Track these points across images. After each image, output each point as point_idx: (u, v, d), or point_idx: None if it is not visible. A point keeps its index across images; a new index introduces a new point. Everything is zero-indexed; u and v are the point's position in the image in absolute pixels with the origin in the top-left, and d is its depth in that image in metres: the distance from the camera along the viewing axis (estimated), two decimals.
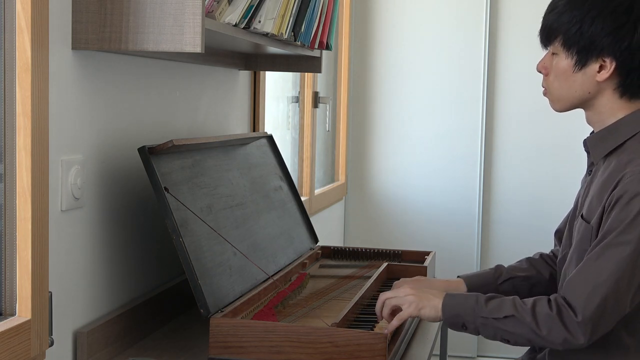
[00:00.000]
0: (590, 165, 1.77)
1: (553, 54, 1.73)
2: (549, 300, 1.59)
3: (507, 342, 1.63)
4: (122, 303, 1.76)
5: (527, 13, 4.01)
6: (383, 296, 1.73)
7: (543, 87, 1.78)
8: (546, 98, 1.78)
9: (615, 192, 1.59)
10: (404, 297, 1.69)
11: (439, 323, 1.96)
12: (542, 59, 1.76)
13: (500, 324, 1.60)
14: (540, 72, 1.77)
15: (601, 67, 1.67)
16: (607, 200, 1.61)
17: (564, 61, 1.70)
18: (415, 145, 4.16)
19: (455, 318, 1.65)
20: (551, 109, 1.79)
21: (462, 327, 1.65)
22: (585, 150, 1.78)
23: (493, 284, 1.93)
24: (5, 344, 1.33)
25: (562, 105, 1.75)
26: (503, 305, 1.61)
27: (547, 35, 1.73)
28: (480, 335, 1.66)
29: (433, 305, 1.66)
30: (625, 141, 1.67)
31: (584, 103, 1.72)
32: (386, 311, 1.71)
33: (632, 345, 1.65)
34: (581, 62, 1.68)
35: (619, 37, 1.64)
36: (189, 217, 1.68)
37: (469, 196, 4.13)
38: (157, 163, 1.66)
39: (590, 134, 1.77)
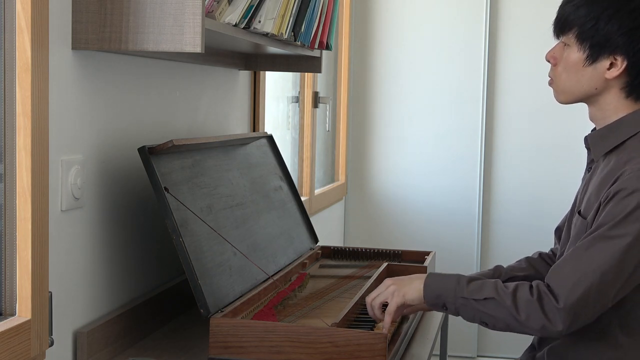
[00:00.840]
0: (590, 162, 1.78)
1: (565, 45, 1.73)
2: (531, 287, 1.60)
3: (486, 325, 1.63)
4: (122, 303, 1.76)
5: (527, 13, 4.02)
6: (368, 299, 1.74)
7: (549, 76, 1.77)
8: (550, 90, 1.77)
9: (612, 188, 1.59)
10: (386, 290, 1.70)
11: (439, 323, 1.97)
12: (552, 49, 1.76)
13: (480, 306, 1.61)
14: (548, 61, 1.76)
15: (612, 65, 1.67)
16: (603, 196, 1.61)
17: (576, 54, 1.70)
18: (415, 145, 4.16)
19: (436, 299, 1.65)
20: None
21: (443, 308, 1.66)
22: (586, 147, 1.78)
23: None
24: (5, 344, 1.33)
25: (567, 98, 1.75)
26: (484, 287, 1.62)
27: (562, 26, 1.73)
28: (463, 318, 1.66)
29: (415, 287, 1.68)
30: (626, 140, 1.68)
31: (589, 98, 1.72)
32: (377, 312, 1.71)
33: (627, 344, 1.65)
34: (592, 57, 1.68)
35: (634, 37, 1.64)
36: (189, 217, 1.68)
37: (469, 196, 4.13)
38: (157, 163, 1.66)
39: (592, 131, 1.78)
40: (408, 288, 1.68)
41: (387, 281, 1.73)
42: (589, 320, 1.59)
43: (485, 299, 1.60)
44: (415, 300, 1.68)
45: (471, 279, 1.65)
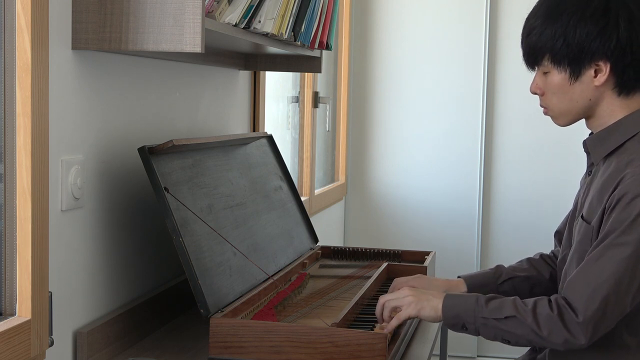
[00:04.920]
0: (590, 166, 1.77)
1: (544, 73, 1.72)
2: (550, 301, 1.59)
3: (508, 342, 1.62)
4: (122, 303, 1.76)
5: (527, 12, 4.01)
6: (382, 299, 1.72)
7: (542, 106, 1.76)
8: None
9: (616, 193, 1.59)
10: (403, 298, 1.69)
11: (439, 323, 1.96)
12: (533, 81, 1.75)
13: (501, 325, 1.60)
14: (535, 93, 1.76)
15: (596, 72, 1.66)
16: (607, 201, 1.61)
17: (558, 76, 1.69)
18: (415, 145, 4.16)
19: (455, 319, 1.64)
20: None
21: (462, 328, 1.65)
22: (585, 151, 1.77)
23: (493, 284, 1.93)
24: (5, 344, 1.33)
25: (567, 119, 1.74)
26: (504, 306, 1.61)
27: (534, 58, 1.72)
28: (480, 336, 1.66)
29: (432, 306, 1.66)
30: (625, 142, 1.67)
31: (587, 111, 1.71)
32: (386, 313, 1.70)
33: (634, 345, 1.65)
34: (575, 73, 1.67)
35: (606, 37, 1.63)
36: (189, 217, 1.68)
37: (469, 196, 4.13)
38: (157, 163, 1.66)
39: (590, 134, 1.77)
40: (425, 304, 1.66)
41: (406, 290, 1.70)
42: (609, 329, 1.58)
43: (506, 317, 1.59)
44: (430, 318, 1.67)
45: (490, 298, 1.63)
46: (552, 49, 1.67)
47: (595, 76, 1.66)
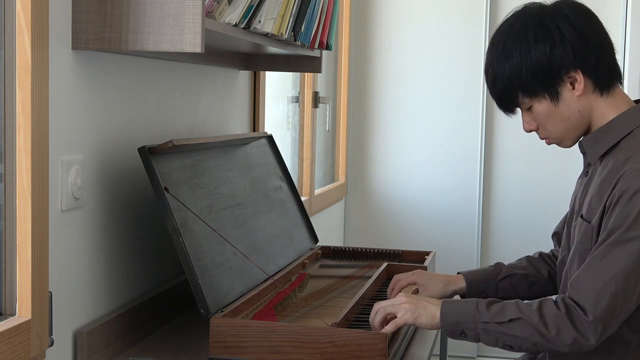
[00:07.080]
0: (587, 166, 1.77)
1: (527, 109, 1.72)
2: (556, 301, 1.57)
3: (510, 347, 1.59)
4: (122, 303, 1.76)
5: None
6: (376, 306, 1.68)
7: (543, 138, 1.77)
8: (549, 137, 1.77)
9: (616, 190, 1.58)
10: (399, 305, 1.64)
11: None
12: (523, 121, 1.76)
13: (504, 329, 1.57)
14: (531, 131, 1.77)
15: (572, 83, 1.66)
16: (607, 199, 1.60)
17: (540, 105, 1.69)
18: (415, 145, 4.16)
19: (454, 325, 1.61)
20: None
21: (462, 335, 1.61)
22: (581, 152, 1.77)
23: (492, 280, 1.93)
24: (5, 344, 1.33)
25: (570, 139, 1.74)
26: (506, 309, 1.58)
27: (510, 101, 1.72)
28: (483, 343, 1.59)
29: (430, 313, 1.63)
30: (620, 140, 1.67)
31: (582, 122, 1.70)
32: (378, 318, 1.65)
33: (635, 342, 1.64)
34: (554, 94, 1.67)
35: (561, 49, 1.64)
36: (189, 217, 1.68)
37: (469, 196, 4.13)
38: (157, 163, 1.66)
39: (585, 135, 1.77)
40: (423, 311, 1.63)
41: (401, 297, 1.67)
42: (615, 329, 1.57)
43: (510, 320, 1.56)
44: (427, 325, 1.63)
45: (490, 302, 1.60)
46: (520, 85, 1.68)
47: (573, 88, 1.67)
